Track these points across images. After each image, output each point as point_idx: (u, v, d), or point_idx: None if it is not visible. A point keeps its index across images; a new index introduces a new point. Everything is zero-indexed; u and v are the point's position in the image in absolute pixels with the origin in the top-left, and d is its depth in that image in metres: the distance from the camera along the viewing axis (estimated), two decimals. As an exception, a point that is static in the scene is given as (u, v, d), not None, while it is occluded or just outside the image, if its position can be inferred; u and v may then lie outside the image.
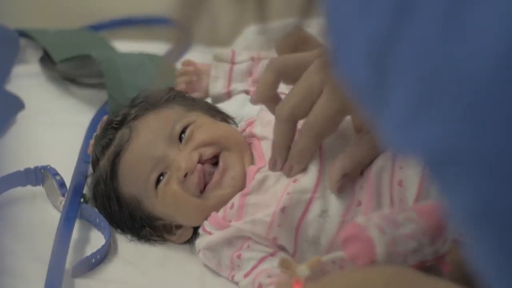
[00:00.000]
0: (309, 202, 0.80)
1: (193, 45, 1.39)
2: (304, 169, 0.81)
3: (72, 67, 1.22)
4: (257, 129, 0.88)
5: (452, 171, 0.36)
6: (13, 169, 0.99)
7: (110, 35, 1.42)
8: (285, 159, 0.82)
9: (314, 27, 0.44)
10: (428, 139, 0.36)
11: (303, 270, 0.65)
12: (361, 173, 0.80)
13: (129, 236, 0.92)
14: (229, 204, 0.84)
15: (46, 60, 1.25)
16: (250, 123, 0.90)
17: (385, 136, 0.38)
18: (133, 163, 0.88)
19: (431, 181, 0.38)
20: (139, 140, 0.88)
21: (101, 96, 1.18)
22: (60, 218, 0.91)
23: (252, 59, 0.96)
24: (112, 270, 0.87)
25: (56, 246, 0.86)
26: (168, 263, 0.88)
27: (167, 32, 1.46)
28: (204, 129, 0.88)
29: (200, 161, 0.85)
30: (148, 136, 0.88)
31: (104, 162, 0.91)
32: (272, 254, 0.82)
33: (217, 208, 0.85)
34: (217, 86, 0.97)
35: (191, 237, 0.90)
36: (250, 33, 1.35)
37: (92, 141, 0.95)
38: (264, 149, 0.86)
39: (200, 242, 0.86)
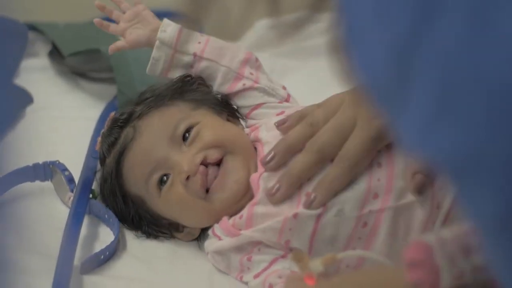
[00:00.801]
0: (324, 209, 0.79)
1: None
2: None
3: (81, 61, 1.21)
4: (262, 134, 0.87)
5: (474, 178, 0.35)
6: (21, 164, 0.98)
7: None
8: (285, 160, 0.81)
9: (325, 21, 0.42)
10: (450, 145, 0.35)
11: (317, 265, 0.63)
12: (379, 165, 0.80)
13: (136, 233, 0.91)
14: (238, 214, 0.83)
15: (55, 54, 1.25)
16: (255, 128, 0.89)
17: (404, 139, 0.37)
18: (135, 164, 0.87)
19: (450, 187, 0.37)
20: (142, 140, 0.87)
21: (110, 90, 1.18)
22: (69, 214, 0.91)
23: (195, 55, 0.93)
24: (121, 266, 0.87)
25: (65, 242, 0.86)
26: (176, 260, 0.88)
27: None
28: (210, 130, 0.86)
29: (203, 163, 0.84)
30: (150, 137, 0.87)
31: (110, 161, 0.90)
32: (283, 256, 0.81)
33: (224, 211, 0.84)
34: (156, 69, 0.94)
35: (199, 235, 0.90)
36: (260, 27, 1.34)
37: (99, 139, 0.94)
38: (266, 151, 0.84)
39: (209, 245, 0.85)
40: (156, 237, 0.90)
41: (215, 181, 0.84)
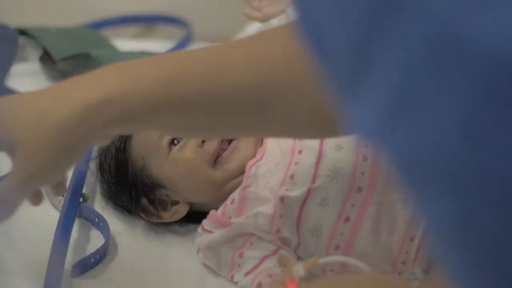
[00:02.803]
0: (308, 192, 0.81)
1: (194, 41, 1.40)
2: (302, 160, 0.83)
3: (72, 65, 1.21)
4: None
5: (429, 184, 0.34)
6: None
7: (110, 33, 1.41)
8: None
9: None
10: (406, 147, 0.34)
11: (298, 270, 0.64)
12: (364, 158, 0.80)
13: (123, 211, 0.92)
14: (229, 200, 0.85)
15: (46, 58, 1.25)
16: None
17: (361, 134, 0.36)
18: None
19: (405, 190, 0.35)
20: None
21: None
22: (59, 218, 0.90)
23: None
24: (111, 270, 0.87)
25: (55, 246, 0.86)
26: (167, 263, 0.88)
27: (167, 30, 1.46)
28: None
29: None
30: None
31: None
32: (274, 253, 0.82)
33: (219, 187, 0.87)
34: None
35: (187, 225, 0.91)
36: (251, 31, 1.34)
37: None
38: (268, 144, 0.88)
39: (200, 241, 0.86)
40: (139, 215, 0.91)
41: (225, 153, 0.88)
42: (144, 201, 0.90)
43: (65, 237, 0.87)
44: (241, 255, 0.83)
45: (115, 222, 0.94)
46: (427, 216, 0.36)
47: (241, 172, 0.87)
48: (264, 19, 1.01)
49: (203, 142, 0.87)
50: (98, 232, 0.92)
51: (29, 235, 0.91)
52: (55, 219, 0.90)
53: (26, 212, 0.94)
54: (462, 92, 0.31)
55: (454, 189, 0.33)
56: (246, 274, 0.82)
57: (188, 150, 0.87)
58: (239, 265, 0.83)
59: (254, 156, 0.88)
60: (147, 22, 1.48)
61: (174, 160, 0.88)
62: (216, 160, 0.88)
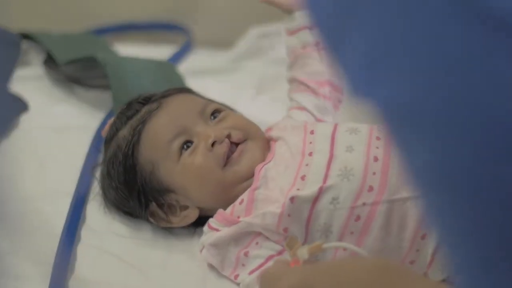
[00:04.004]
0: (319, 191, 0.81)
1: (195, 47, 1.41)
2: (313, 162, 0.84)
3: (77, 68, 1.21)
4: (274, 133, 0.93)
5: (411, 127, 0.36)
6: (13, 172, 0.99)
7: (112, 39, 1.42)
8: None
9: None
10: (388, 93, 0.36)
11: (303, 253, 0.66)
12: (375, 159, 0.82)
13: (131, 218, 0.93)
14: (239, 200, 0.86)
15: (50, 62, 1.25)
16: (268, 130, 0.94)
17: (348, 85, 0.38)
18: (159, 126, 0.90)
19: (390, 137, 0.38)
20: (169, 110, 0.92)
21: (105, 98, 1.18)
22: (65, 221, 0.92)
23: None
24: (113, 272, 0.87)
25: (61, 249, 0.87)
26: (170, 266, 0.88)
27: (167, 36, 1.47)
28: (236, 118, 0.93)
29: (228, 138, 0.89)
30: (179, 107, 0.92)
31: (125, 131, 0.92)
32: (280, 253, 0.83)
33: (230, 189, 0.87)
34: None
35: (194, 231, 0.91)
36: (253, 34, 1.36)
37: (110, 121, 0.97)
38: (277, 149, 0.89)
39: (206, 239, 0.86)
40: (148, 220, 0.91)
41: (234, 154, 0.88)
42: (153, 205, 0.90)
43: (70, 241, 0.88)
44: (246, 254, 0.83)
45: (118, 226, 0.94)
46: (409, 160, 0.38)
47: (251, 175, 0.87)
48: (280, 2, 1.00)
49: (212, 145, 0.88)
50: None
51: (34, 237, 0.92)
52: (60, 222, 0.92)
53: (31, 214, 0.96)
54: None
55: (433, 130, 0.35)
56: (251, 272, 0.83)
57: (199, 155, 0.88)
58: (243, 265, 0.84)
59: (263, 160, 0.89)
60: (147, 29, 1.49)
61: (185, 165, 0.88)
62: (226, 162, 0.88)
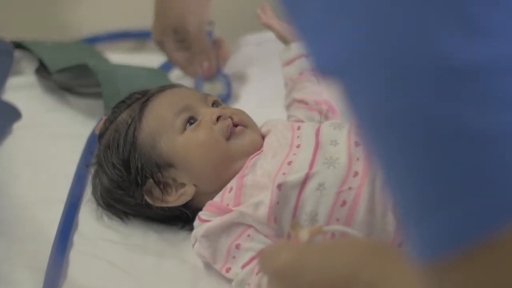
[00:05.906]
0: (306, 177, 0.83)
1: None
2: (300, 152, 0.86)
3: (69, 76, 1.22)
4: (264, 128, 0.96)
5: (354, 76, 0.38)
6: (7, 180, 0.99)
7: (104, 48, 1.43)
8: None
9: None
10: (335, 47, 0.38)
11: (304, 234, 0.69)
12: (356, 144, 0.85)
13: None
14: (228, 188, 0.87)
15: (42, 71, 1.26)
16: (260, 128, 0.97)
17: (305, 46, 0.41)
18: (164, 103, 0.93)
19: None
20: (173, 92, 0.96)
21: (97, 106, 1.19)
22: (58, 227, 0.92)
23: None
24: (106, 278, 0.88)
25: (54, 255, 0.87)
26: (161, 271, 0.89)
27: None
28: (235, 108, 0.97)
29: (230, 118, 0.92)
30: (182, 92, 0.96)
31: (124, 114, 0.94)
32: None
33: (234, 160, 0.89)
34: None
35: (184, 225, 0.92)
36: (246, 42, 1.36)
37: (104, 118, 0.98)
38: (266, 140, 0.92)
39: (197, 231, 0.86)
40: (143, 199, 0.91)
41: (237, 129, 0.91)
42: (150, 182, 0.90)
43: (63, 246, 0.89)
44: (238, 247, 0.83)
45: (110, 232, 0.95)
46: (354, 111, 0.40)
47: (252, 151, 0.90)
48: (279, 30, 1.05)
49: (217, 120, 0.91)
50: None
51: (27, 243, 0.93)
52: (53, 228, 0.93)
53: (25, 220, 0.97)
54: None
55: (376, 79, 0.37)
56: (243, 266, 0.83)
57: (203, 128, 0.90)
58: (234, 257, 0.83)
59: (260, 148, 0.91)
60: (139, 37, 1.49)
61: (188, 137, 0.90)
62: (229, 137, 0.91)
